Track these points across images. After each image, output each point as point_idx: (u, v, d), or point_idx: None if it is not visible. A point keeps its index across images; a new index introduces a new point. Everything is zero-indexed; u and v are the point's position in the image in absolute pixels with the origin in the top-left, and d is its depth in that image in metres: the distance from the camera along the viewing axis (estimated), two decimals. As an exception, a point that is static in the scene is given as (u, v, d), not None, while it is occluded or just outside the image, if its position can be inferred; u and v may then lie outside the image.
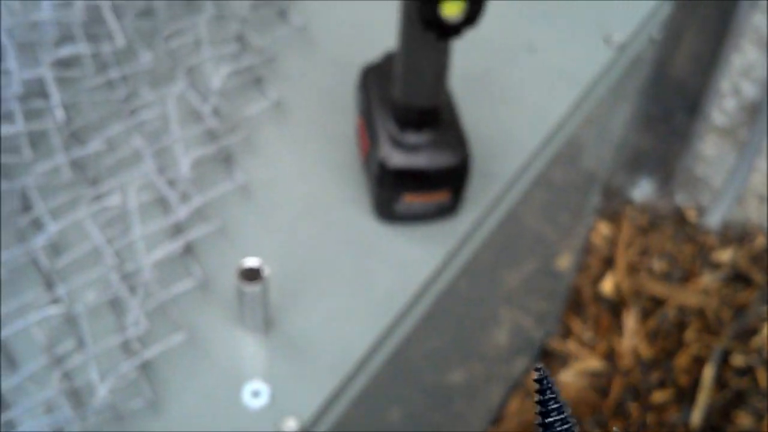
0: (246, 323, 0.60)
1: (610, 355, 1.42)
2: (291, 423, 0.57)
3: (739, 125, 1.44)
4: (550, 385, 0.23)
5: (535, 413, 0.23)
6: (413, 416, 0.94)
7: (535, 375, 0.23)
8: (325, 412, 0.59)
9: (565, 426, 0.22)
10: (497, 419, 1.35)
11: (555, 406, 0.23)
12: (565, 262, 1.28)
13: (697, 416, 1.32)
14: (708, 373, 1.36)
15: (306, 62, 0.78)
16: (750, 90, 1.39)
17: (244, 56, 0.76)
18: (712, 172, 1.53)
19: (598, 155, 1.16)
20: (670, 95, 1.51)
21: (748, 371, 1.37)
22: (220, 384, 0.58)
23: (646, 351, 1.42)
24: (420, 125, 0.63)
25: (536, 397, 0.23)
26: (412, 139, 0.63)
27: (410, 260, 0.66)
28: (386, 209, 0.66)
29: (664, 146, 1.57)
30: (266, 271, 0.56)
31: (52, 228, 0.63)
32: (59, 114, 0.69)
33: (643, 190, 1.60)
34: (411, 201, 0.65)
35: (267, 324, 0.60)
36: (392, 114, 0.64)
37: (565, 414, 0.23)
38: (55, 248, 0.63)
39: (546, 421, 0.23)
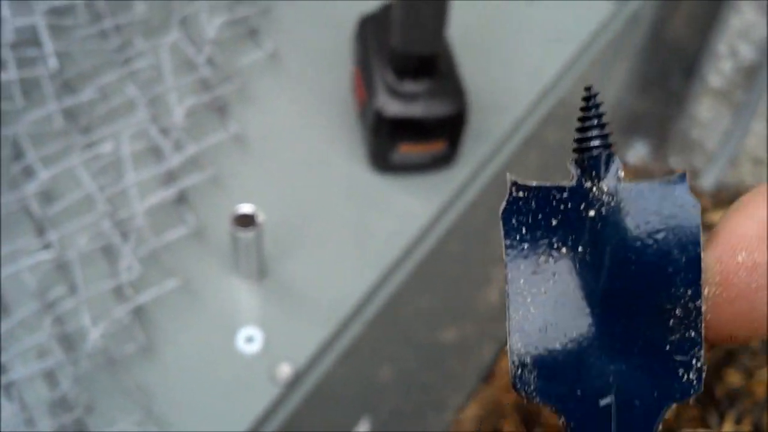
0: (240, 270, 0.59)
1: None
2: (285, 368, 0.56)
3: (735, 87, 1.44)
4: (597, 103, 0.21)
5: (575, 130, 0.21)
6: (405, 373, 0.94)
7: (584, 93, 0.21)
8: (319, 358, 0.59)
9: (605, 143, 0.21)
10: (488, 376, 1.35)
11: (597, 122, 0.21)
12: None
13: (687, 376, 1.32)
14: (699, 334, 1.37)
15: (302, 13, 0.77)
16: (747, 52, 1.39)
17: (239, 6, 0.75)
18: (706, 135, 1.53)
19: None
20: (666, 57, 1.50)
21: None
22: (214, 330, 0.58)
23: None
24: (417, 74, 0.62)
25: (579, 114, 0.22)
26: (410, 87, 0.63)
27: (405, 211, 0.65)
28: (382, 159, 0.66)
29: (660, 109, 1.57)
30: (260, 218, 0.56)
31: (44, 175, 0.62)
32: (52, 62, 0.68)
33: (637, 153, 1.60)
34: (407, 151, 0.65)
35: (261, 271, 0.60)
36: (389, 63, 0.63)
37: (607, 132, 0.21)
38: (47, 196, 0.63)
39: (585, 135, 0.21)
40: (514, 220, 0.21)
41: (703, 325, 0.20)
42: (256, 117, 0.69)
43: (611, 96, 1.20)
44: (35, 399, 0.55)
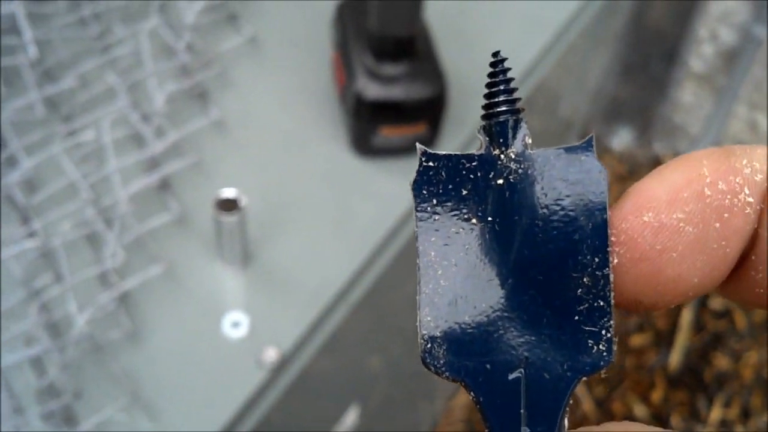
0: (224, 255, 0.59)
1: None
2: (271, 353, 0.57)
3: (716, 71, 1.44)
4: (504, 69, 0.21)
5: (483, 97, 0.21)
6: (394, 362, 0.94)
7: (492, 58, 0.21)
8: (306, 343, 0.59)
9: (512, 109, 0.21)
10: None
11: (504, 88, 0.21)
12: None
13: (675, 358, 1.33)
14: (686, 316, 1.38)
15: (281, -1, 0.77)
16: (728, 35, 1.39)
17: (218, -7, 0.75)
18: (689, 120, 1.54)
19: (575, 103, 1.16)
20: (647, 42, 1.50)
21: (725, 314, 1.38)
22: (199, 315, 0.58)
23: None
24: (396, 56, 0.63)
25: (487, 80, 0.21)
26: (389, 70, 0.63)
27: (388, 194, 0.66)
28: (363, 143, 0.66)
29: (642, 94, 1.57)
30: (243, 202, 0.56)
31: (27, 164, 0.62)
32: (32, 51, 0.68)
33: (621, 139, 1.61)
34: (388, 134, 0.65)
35: (245, 256, 0.60)
36: (368, 46, 0.63)
37: (515, 98, 0.21)
38: (30, 184, 0.63)
39: (492, 101, 0.21)
40: (425, 191, 0.20)
41: (612, 294, 0.19)
42: (236, 102, 0.69)
43: (592, 82, 1.21)
44: (23, 386, 0.55)
